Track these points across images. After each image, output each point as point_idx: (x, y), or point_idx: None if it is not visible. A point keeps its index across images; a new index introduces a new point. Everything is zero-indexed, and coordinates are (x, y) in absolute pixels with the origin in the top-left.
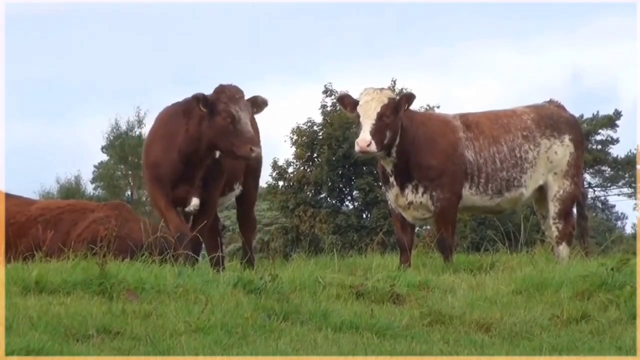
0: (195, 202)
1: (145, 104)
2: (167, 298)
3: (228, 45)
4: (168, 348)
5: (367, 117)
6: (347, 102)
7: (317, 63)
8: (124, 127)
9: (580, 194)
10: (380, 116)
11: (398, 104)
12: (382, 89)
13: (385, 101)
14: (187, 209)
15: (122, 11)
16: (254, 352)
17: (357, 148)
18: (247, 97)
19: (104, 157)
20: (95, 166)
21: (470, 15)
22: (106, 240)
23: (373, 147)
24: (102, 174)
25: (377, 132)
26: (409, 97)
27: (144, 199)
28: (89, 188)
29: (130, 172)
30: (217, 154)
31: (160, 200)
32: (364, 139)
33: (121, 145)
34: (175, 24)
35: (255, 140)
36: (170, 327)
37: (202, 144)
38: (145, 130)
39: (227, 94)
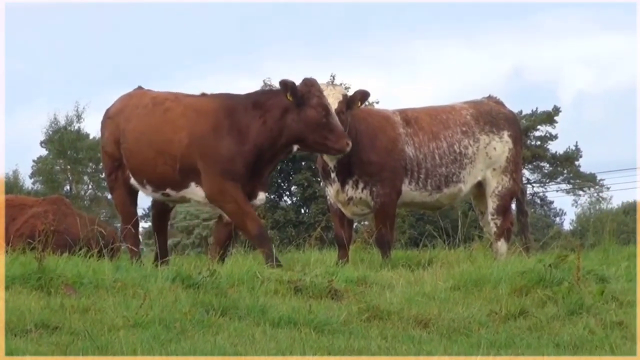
0: (262, 196)
1: (84, 99)
2: (106, 293)
3: (169, 42)
4: (106, 343)
5: None
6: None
7: (257, 58)
8: (62, 121)
9: (519, 190)
10: (338, 113)
11: (352, 101)
12: (335, 86)
13: (341, 97)
14: (253, 203)
15: (60, 6)
16: (192, 347)
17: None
18: None
19: (43, 152)
20: (34, 161)
21: (411, 11)
22: (44, 235)
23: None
24: (40, 168)
25: None
26: (364, 95)
27: (83, 193)
28: (28, 183)
29: (69, 167)
30: (296, 147)
31: (238, 195)
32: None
33: (60, 139)
34: (115, 19)
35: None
36: (109, 322)
37: (282, 138)
38: (85, 125)
39: (317, 87)
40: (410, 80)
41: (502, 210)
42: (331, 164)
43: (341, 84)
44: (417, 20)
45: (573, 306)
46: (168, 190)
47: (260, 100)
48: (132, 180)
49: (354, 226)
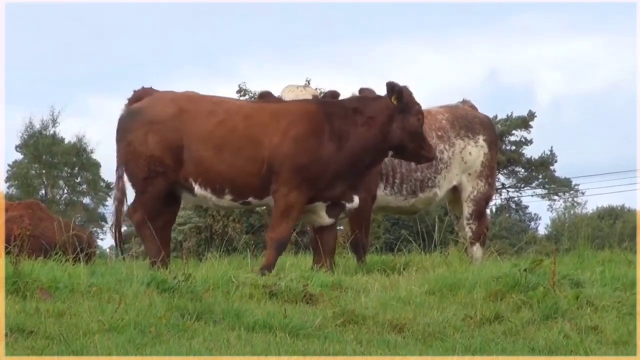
0: (357, 200)
1: (60, 103)
2: (81, 297)
3: (143, 45)
4: (81, 347)
5: None
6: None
7: (232, 63)
8: (37, 126)
9: (494, 195)
10: None
11: None
12: (304, 86)
13: (310, 98)
14: (348, 207)
15: (36, 6)
16: (168, 351)
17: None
18: None
19: (18, 156)
20: (9, 165)
21: (387, 13)
22: (20, 239)
23: None
24: (16, 173)
25: None
26: (334, 95)
27: (58, 198)
28: (3, 187)
29: (44, 171)
30: (390, 154)
31: (300, 205)
32: None
33: (35, 144)
34: (92, 22)
35: None
36: (84, 326)
37: (385, 144)
38: (60, 130)
39: (413, 95)
40: (380, 85)
41: (478, 214)
42: None
43: (316, 89)
44: (390, 24)
45: (548, 311)
46: (250, 199)
47: (360, 106)
48: (201, 190)
49: None
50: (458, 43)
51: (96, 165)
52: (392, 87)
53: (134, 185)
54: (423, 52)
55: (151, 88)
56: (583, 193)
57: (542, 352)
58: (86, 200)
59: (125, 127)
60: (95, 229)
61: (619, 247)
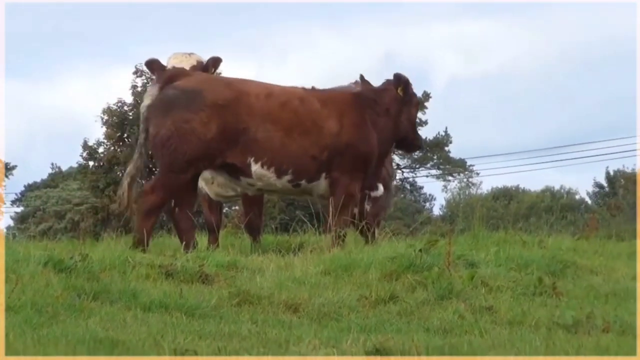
0: (381, 188)
1: None
2: None
3: (34, 25)
4: None
5: None
6: (155, 67)
7: (128, 44)
8: None
9: (387, 176)
10: None
11: (206, 67)
12: (190, 54)
13: (195, 64)
14: (373, 195)
15: None
16: (64, 331)
17: None
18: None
19: None
20: None
21: None
22: None
23: None
24: None
25: None
26: (216, 61)
27: None
28: None
29: None
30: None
31: (358, 194)
32: None
33: None
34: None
35: None
36: None
37: (397, 134)
38: None
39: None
40: (279, 68)
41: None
42: None
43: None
44: (287, 6)
45: (443, 291)
46: (303, 182)
47: (377, 97)
48: (261, 169)
49: (225, 211)
50: (355, 25)
51: None
52: (398, 78)
53: (171, 165)
54: (321, 36)
55: (183, 69)
56: (478, 174)
57: (437, 332)
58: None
59: (179, 105)
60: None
61: (513, 227)
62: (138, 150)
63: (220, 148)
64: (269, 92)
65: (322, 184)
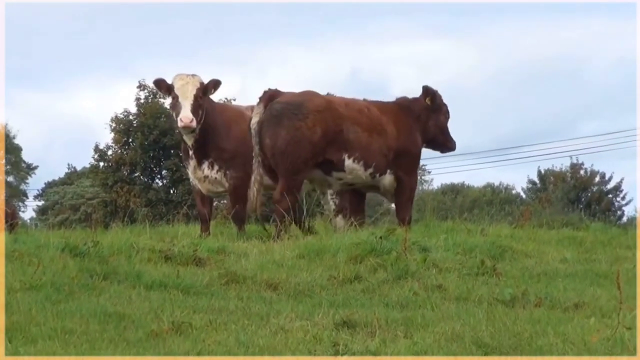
0: None
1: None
2: (6, 260)
3: (52, 44)
4: (6, 303)
5: (186, 98)
6: (163, 86)
7: (132, 61)
8: None
9: None
10: (196, 97)
11: (207, 88)
12: (193, 75)
13: (198, 85)
14: None
15: None
16: (79, 306)
17: (181, 124)
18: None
19: None
20: None
21: (266, 16)
22: None
23: (194, 123)
24: None
25: (195, 111)
26: (216, 83)
27: None
28: None
29: None
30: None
31: (416, 183)
32: (187, 116)
33: None
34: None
35: None
36: (8, 285)
37: (425, 138)
38: None
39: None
40: (260, 81)
41: (340, 191)
42: (189, 142)
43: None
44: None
45: (400, 272)
46: (377, 175)
47: (410, 106)
48: (353, 164)
49: (214, 204)
50: (325, 43)
51: (18, 149)
52: (427, 90)
53: (291, 168)
54: (297, 54)
55: (277, 89)
56: (429, 172)
57: (395, 307)
58: (10, 178)
59: (288, 116)
60: (17, 203)
61: (459, 218)
62: (255, 159)
63: (323, 147)
64: (344, 101)
65: (387, 177)
